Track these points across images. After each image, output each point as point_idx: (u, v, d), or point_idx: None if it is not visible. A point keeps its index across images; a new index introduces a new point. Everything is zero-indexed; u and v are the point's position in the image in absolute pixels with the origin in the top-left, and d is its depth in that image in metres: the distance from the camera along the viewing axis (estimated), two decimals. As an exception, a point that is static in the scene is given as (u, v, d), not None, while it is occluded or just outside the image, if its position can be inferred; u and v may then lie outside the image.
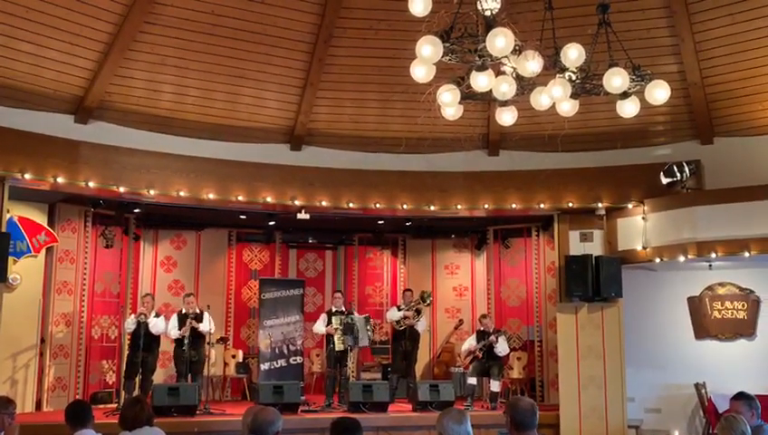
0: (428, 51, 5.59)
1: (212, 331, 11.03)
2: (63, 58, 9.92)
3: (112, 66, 10.20)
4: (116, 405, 10.64)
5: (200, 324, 10.86)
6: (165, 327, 11.06)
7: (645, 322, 11.41)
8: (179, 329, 10.90)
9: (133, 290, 12.51)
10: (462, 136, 9.76)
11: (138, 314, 10.86)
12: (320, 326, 11.62)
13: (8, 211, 9.74)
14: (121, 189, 10.34)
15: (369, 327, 11.40)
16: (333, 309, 11.64)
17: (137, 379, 10.76)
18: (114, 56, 10.09)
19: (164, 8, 9.93)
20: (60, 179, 9.81)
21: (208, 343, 11.17)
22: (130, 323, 10.82)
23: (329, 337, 11.47)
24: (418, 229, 13.71)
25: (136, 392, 10.52)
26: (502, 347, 11.38)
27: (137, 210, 11.99)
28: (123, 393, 10.90)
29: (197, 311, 11.03)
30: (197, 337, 10.92)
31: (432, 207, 11.48)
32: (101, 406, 10.64)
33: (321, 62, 10.94)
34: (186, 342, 10.78)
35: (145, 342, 10.65)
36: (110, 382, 11.78)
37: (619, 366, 10.88)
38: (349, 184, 11.36)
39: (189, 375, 10.87)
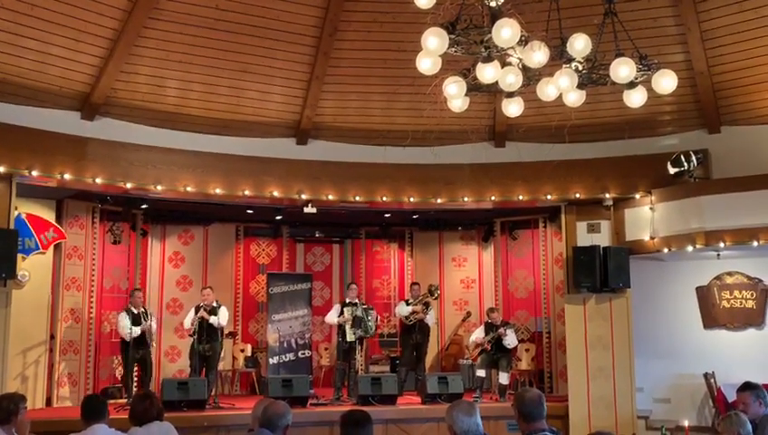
0: (434, 43, 5.57)
1: (221, 324, 11.00)
2: (69, 55, 9.93)
3: (118, 62, 10.20)
4: (125, 400, 10.65)
5: (211, 317, 10.87)
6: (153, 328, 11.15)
7: (653, 312, 11.39)
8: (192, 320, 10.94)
9: (141, 285, 12.53)
10: (468, 128, 9.72)
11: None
12: (332, 316, 11.63)
13: (16, 208, 9.77)
14: (128, 185, 10.36)
15: (369, 318, 11.43)
16: (347, 301, 11.66)
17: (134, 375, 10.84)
18: (119, 52, 10.10)
19: (168, 3, 9.93)
20: (67, 176, 9.84)
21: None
22: (134, 330, 10.74)
23: (339, 329, 11.50)
24: (425, 222, 13.73)
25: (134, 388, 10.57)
26: (511, 339, 11.39)
27: (144, 206, 12.06)
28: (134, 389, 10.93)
29: (214, 304, 11.04)
30: (212, 331, 10.92)
31: (439, 200, 11.47)
32: (111, 401, 10.67)
33: (327, 56, 10.92)
34: (196, 335, 10.79)
35: (141, 339, 10.70)
36: (120, 377, 11.80)
37: (628, 357, 10.87)
38: (355, 177, 11.36)
39: (203, 370, 10.89)
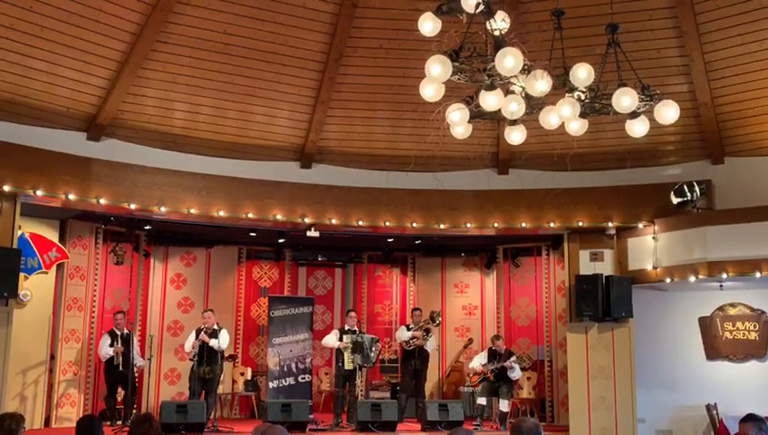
0: (438, 70, 5.62)
1: (222, 347, 10.96)
2: (77, 76, 10.02)
3: (125, 84, 10.29)
4: (121, 423, 10.58)
5: (211, 340, 10.84)
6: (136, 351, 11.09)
7: (655, 342, 11.32)
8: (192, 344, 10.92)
9: (143, 307, 12.54)
10: (471, 155, 9.78)
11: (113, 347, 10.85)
12: (331, 339, 11.55)
13: (20, 228, 9.80)
14: (132, 206, 10.39)
15: (373, 349, 11.37)
16: (346, 328, 11.63)
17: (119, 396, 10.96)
18: (127, 74, 10.19)
19: (176, 27, 10.04)
20: (71, 196, 9.88)
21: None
22: (108, 351, 10.83)
23: (338, 356, 11.45)
24: (428, 248, 13.72)
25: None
26: (517, 373, 11.41)
27: (147, 227, 12.07)
28: (132, 410, 10.86)
29: (215, 327, 11.02)
30: (212, 354, 10.89)
31: (442, 226, 11.48)
32: (108, 423, 10.62)
33: (332, 81, 11.00)
34: (196, 358, 10.77)
35: (124, 358, 10.72)
36: (119, 399, 11.74)
37: (630, 387, 10.81)
38: (358, 202, 11.39)
39: (203, 393, 10.84)
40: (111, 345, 10.77)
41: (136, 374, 11.14)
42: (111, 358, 10.77)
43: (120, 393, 11.05)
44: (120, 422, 10.57)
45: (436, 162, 9.92)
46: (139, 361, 11.06)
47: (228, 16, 10.08)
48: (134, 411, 10.85)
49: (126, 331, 11.02)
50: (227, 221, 11.11)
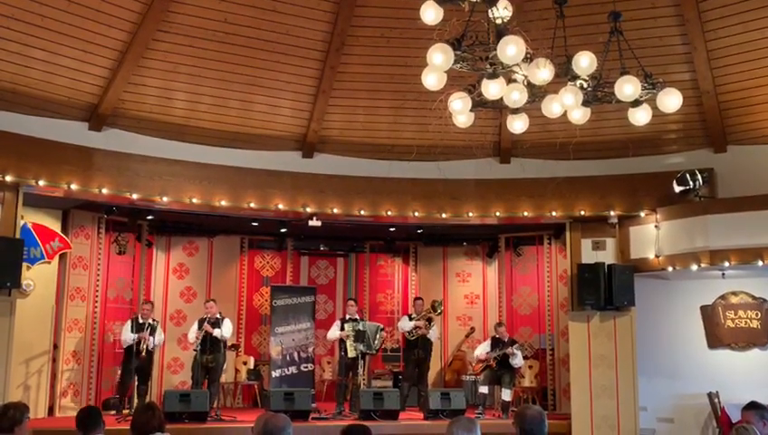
0: (440, 59, 5.60)
1: (225, 336, 11.00)
2: (78, 65, 10.00)
3: (126, 74, 10.27)
4: (127, 411, 10.64)
5: (215, 330, 10.86)
6: (160, 340, 11.09)
7: (657, 331, 11.34)
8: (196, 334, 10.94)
9: (146, 296, 12.55)
10: (473, 144, 9.74)
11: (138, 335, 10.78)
12: (334, 332, 11.65)
13: (22, 217, 9.81)
14: (134, 196, 10.40)
15: (378, 336, 11.43)
16: (347, 317, 11.68)
17: (132, 385, 10.90)
18: (128, 64, 10.17)
19: (177, 16, 10.00)
20: (73, 186, 9.89)
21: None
22: (129, 338, 10.78)
23: (341, 344, 11.51)
24: (430, 237, 13.73)
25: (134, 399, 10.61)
26: (519, 360, 11.43)
27: (150, 217, 12.10)
28: (135, 399, 10.91)
29: (217, 317, 11.03)
30: (215, 343, 10.92)
31: (443, 215, 11.48)
32: (113, 412, 10.66)
33: (334, 70, 10.98)
34: (199, 347, 10.78)
35: (139, 349, 10.69)
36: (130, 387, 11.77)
37: (632, 375, 10.83)
38: (360, 191, 11.39)
39: (206, 382, 10.87)
40: (138, 331, 10.72)
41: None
42: (132, 345, 10.69)
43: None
44: (125, 411, 10.59)
45: (438, 151, 9.89)
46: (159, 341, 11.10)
47: (229, 5, 10.04)
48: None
49: (150, 321, 10.99)
50: (229, 211, 11.11)
